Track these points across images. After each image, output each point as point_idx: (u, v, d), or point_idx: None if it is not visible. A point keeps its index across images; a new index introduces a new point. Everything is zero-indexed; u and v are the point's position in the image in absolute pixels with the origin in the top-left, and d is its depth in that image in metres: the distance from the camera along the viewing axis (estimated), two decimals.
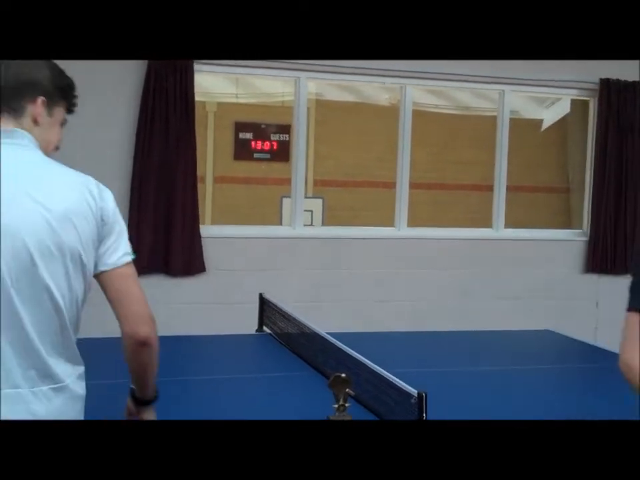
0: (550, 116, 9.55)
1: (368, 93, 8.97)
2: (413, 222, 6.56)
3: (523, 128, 8.70)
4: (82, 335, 2.05)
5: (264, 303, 4.01)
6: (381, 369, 2.67)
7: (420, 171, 7.80)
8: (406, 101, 6.39)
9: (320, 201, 8.75)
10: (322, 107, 8.65)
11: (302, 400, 2.87)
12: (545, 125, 9.67)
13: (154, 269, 5.79)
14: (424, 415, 2.35)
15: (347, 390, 2.54)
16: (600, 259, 6.65)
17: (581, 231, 6.88)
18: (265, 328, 3.98)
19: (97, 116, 5.61)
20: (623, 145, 6.56)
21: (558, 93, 6.97)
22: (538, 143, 9.35)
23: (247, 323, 4.85)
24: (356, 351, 2.93)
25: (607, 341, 6.16)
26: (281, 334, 3.71)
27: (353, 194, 8.89)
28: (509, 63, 6.18)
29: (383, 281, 6.35)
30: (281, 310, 3.77)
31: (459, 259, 6.51)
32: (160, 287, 5.82)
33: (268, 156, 8.93)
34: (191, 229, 5.85)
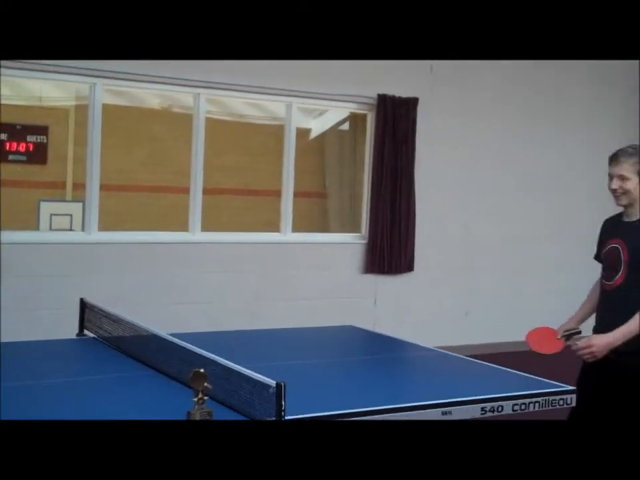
0: (317, 126, 10.07)
1: (141, 96, 8.97)
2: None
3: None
4: None
5: (85, 306, 4.06)
6: (234, 364, 2.88)
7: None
8: (200, 111, 6.59)
9: (80, 204, 8.65)
10: (83, 110, 8.51)
11: (158, 398, 3.00)
12: (313, 135, 10.19)
13: None
14: (283, 403, 2.59)
15: (205, 384, 2.72)
16: (378, 261, 7.20)
17: (360, 234, 7.40)
18: (86, 332, 4.03)
19: None
20: (397, 155, 7.15)
21: (340, 106, 7.45)
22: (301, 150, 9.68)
23: (49, 328, 4.86)
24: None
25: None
26: (110, 337, 3.80)
27: (115, 198, 8.81)
28: (297, 76, 6.58)
29: (177, 285, 6.50)
30: (108, 313, 3.85)
31: (248, 263, 6.80)
32: None
33: (24, 158, 8.71)
34: None
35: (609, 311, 3.65)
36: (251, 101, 7.60)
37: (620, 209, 3.75)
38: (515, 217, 7.95)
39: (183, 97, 7.52)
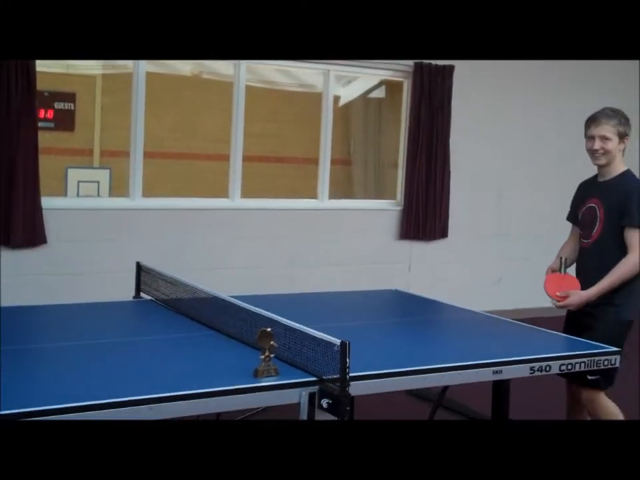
0: (346, 93, 10.13)
1: (175, 65, 8.99)
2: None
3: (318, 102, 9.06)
4: None
5: (141, 269, 4.22)
6: (297, 324, 3.02)
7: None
8: (240, 79, 6.69)
9: (107, 171, 8.76)
10: (110, 78, 8.52)
11: (223, 357, 3.15)
12: (341, 102, 10.24)
13: None
14: (347, 361, 2.73)
15: (272, 342, 2.87)
16: (413, 227, 7.32)
17: (394, 201, 7.52)
18: (142, 295, 4.19)
19: None
20: (433, 123, 7.24)
21: (377, 74, 7.54)
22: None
23: (99, 292, 5.02)
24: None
25: None
26: (168, 300, 3.95)
27: (151, 165, 8.89)
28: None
29: (217, 250, 6.66)
30: (165, 276, 4.00)
31: (286, 229, 6.95)
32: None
33: (52, 125, 8.83)
34: (32, 201, 5.88)
35: (586, 264, 3.97)
36: (281, 68, 7.68)
37: (592, 173, 4.07)
38: (547, 185, 8.02)
39: (217, 65, 7.62)
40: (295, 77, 8.73)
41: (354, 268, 7.16)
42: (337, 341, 2.77)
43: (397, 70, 7.32)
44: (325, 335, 2.86)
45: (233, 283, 6.48)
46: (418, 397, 3.96)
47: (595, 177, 4.04)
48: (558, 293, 3.89)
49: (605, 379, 3.76)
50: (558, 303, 3.89)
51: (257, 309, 3.29)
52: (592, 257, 3.92)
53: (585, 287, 3.86)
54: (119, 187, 8.22)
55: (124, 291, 4.39)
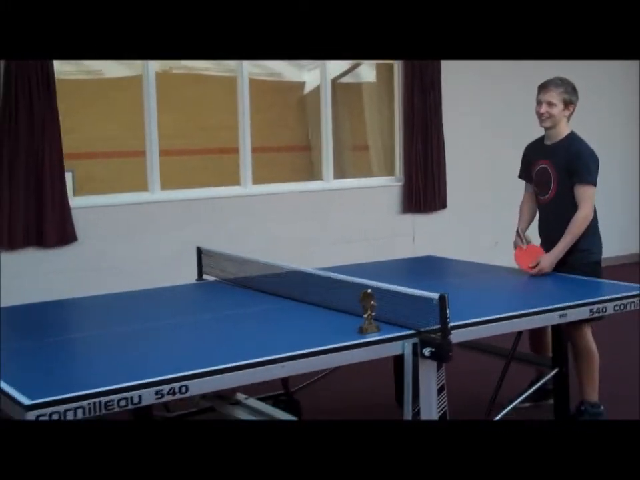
0: (311, 78, 10.25)
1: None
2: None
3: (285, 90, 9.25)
4: None
5: (202, 253, 4.47)
6: (386, 284, 3.33)
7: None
8: (243, 72, 6.96)
9: (70, 174, 8.82)
10: (64, 83, 8.25)
11: (319, 322, 3.43)
12: (308, 88, 10.37)
13: (29, 243, 6.01)
14: (447, 312, 3.05)
15: (372, 302, 3.17)
16: (414, 200, 7.67)
17: (394, 177, 7.86)
18: (205, 277, 4.45)
19: None
20: (426, 100, 7.58)
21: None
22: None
23: (134, 283, 5.23)
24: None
25: None
26: (237, 278, 4.21)
27: (103, 165, 8.92)
28: None
29: (234, 236, 6.91)
30: (231, 256, 4.27)
31: (295, 211, 7.24)
32: (35, 258, 6.06)
33: None
34: (61, 201, 6.10)
35: (548, 218, 4.43)
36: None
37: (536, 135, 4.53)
38: None
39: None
40: (264, 67, 8.93)
41: (362, 243, 7.47)
42: (435, 295, 3.09)
43: None
44: (422, 292, 3.17)
45: None
46: (471, 348, 4.26)
47: (541, 139, 4.49)
48: (530, 265, 4.32)
49: None
50: (534, 271, 4.29)
51: (341, 276, 3.59)
52: (552, 211, 4.38)
53: (549, 235, 4.35)
54: (82, 189, 8.30)
55: (167, 279, 4.66)
